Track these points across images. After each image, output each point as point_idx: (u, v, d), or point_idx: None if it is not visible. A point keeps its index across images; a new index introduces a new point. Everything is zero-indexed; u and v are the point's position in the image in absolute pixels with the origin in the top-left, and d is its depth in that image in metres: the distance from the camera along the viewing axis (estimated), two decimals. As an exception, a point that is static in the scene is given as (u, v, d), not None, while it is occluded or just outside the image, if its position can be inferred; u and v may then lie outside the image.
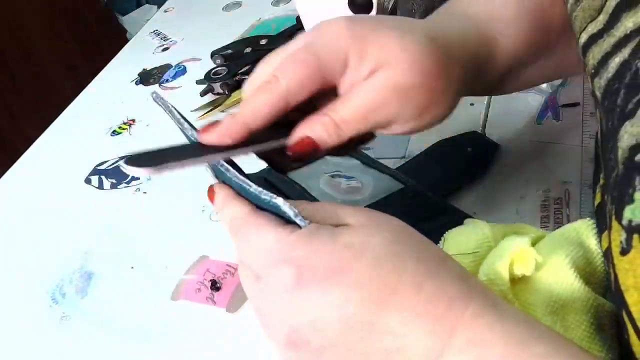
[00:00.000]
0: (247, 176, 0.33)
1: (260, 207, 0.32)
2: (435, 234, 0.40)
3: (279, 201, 0.30)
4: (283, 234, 0.30)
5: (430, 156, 0.57)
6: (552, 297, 0.31)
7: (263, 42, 0.79)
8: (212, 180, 0.37)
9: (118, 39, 1.79)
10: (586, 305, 0.31)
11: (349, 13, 0.60)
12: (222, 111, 0.72)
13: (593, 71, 0.30)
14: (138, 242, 0.57)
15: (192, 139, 0.35)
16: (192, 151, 0.35)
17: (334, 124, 0.36)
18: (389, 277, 0.28)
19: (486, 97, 0.63)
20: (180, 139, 0.37)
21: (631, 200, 0.25)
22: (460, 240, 0.38)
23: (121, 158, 0.33)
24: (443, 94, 0.38)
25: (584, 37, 0.32)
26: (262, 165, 0.40)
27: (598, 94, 0.30)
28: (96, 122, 0.75)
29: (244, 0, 0.97)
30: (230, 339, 0.46)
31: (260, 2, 0.95)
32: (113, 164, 0.68)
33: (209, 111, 0.72)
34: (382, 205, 0.50)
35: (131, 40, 0.96)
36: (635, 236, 0.24)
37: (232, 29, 0.88)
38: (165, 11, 1.02)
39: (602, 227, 0.32)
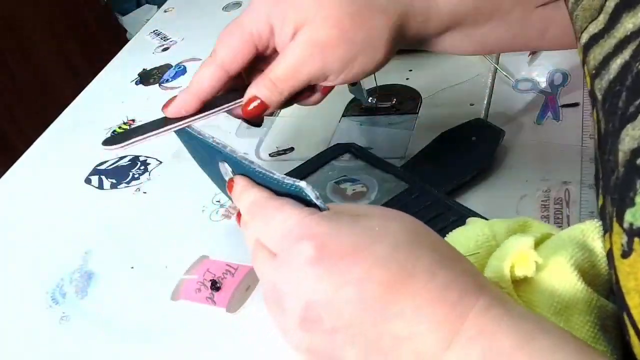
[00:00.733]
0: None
1: (279, 193, 0.34)
2: (441, 234, 0.40)
3: (302, 184, 0.32)
4: (304, 213, 0.31)
5: (436, 150, 0.56)
6: (555, 297, 0.31)
7: (263, 42, 0.79)
8: (232, 175, 0.39)
9: (118, 39, 1.79)
10: (589, 306, 0.31)
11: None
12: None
13: (594, 72, 0.30)
14: (138, 242, 0.57)
15: (223, 149, 0.38)
16: (156, 125, 0.42)
17: (271, 82, 0.42)
18: (406, 262, 0.28)
19: (486, 98, 0.63)
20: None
21: (632, 204, 0.25)
22: (461, 241, 0.38)
23: (103, 143, 0.42)
24: (366, 44, 0.42)
25: (585, 37, 0.32)
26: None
27: (599, 95, 0.30)
28: (96, 122, 0.75)
29: (244, 0, 0.97)
30: (230, 339, 0.46)
31: (260, 2, 0.95)
32: (113, 164, 0.68)
33: (209, 111, 0.72)
34: (388, 207, 0.50)
35: (131, 40, 0.96)
36: (636, 239, 0.24)
37: (232, 29, 0.88)
38: (165, 11, 1.02)
39: (604, 228, 0.32)
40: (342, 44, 0.41)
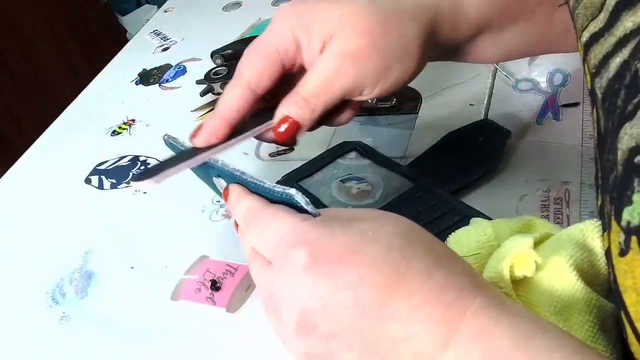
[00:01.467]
0: None
1: (273, 201, 0.34)
2: (445, 234, 0.41)
3: (292, 191, 0.32)
4: (297, 220, 0.31)
5: (442, 149, 0.56)
6: (554, 297, 0.31)
7: (263, 42, 0.79)
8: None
9: (118, 39, 1.79)
10: (588, 305, 0.31)
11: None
12: (222, 111, 0.72)
13: (594, 70, 0.30)
14: (138, 242, 0.57)
15: (215, 163, 0.38)
16: (186, 156, 0.38)
17: (303, 100, 0.39)
18: (401, 263, 0.28)
19: (486, 98, 0.63)
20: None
21: (630, 202, 0.25)
22: (462, 241, 0.38)
23: (133, 179, 0.39)
24: (399, 52, 0.40)
25: (585, 36, 0.32)
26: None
27: (599, 93, 0.30)
28: (96, 122, 0.75)
29: (244, 0, 0.97)
30: (230, 339, 0.46)
31: (260, 2, 0.95)
32: (113, 164, 0.68)
33: (208, 111, 0.72)
34: (393, 206, 0.50)
35: (131, 40, 0.96)
36: (634, 238, 0.24)
37: (232, 29, 0.88)
38: (165, 11, 1.02)
39: (603, 227, 0.32)
40: (375, 53, 0.39)
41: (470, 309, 0.27)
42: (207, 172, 0.40)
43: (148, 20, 1.03)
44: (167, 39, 0.92)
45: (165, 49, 0.89)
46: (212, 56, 0.78)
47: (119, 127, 0.74)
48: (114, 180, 0.65)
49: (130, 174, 0.65)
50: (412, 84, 0.68)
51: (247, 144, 0.65)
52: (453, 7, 0.42)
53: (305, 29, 0.39)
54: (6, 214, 0.65)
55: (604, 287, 0.33)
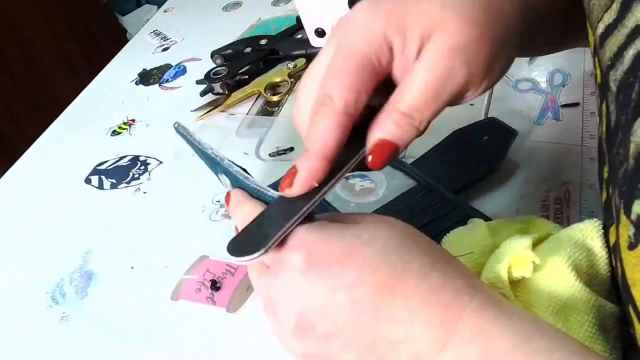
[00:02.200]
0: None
1: None
2: (447, 232, 0.41)
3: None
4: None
5: (447, 148, 0.56)
6: (553, 298, 0.31)
7: (263, 42, 0.79)
8: (230, 188, 0.39)
9: (118, 39, 1.79)
10: (587, 305, 0.31)
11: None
12: (222, 111, 0.71)
13: (609, 63, 0.29)
14: (138, 242, 0.57)
15: (221, 161, 0.37)
16: (285, 211, 0.32)
17: (404, 116, 0.32)
18: (397, 265, 0.28)
19: (486, 98, 0.63)
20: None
21: None
22: (456, 242, 0.38)
23: (233, 254, 0.32)
24: (505, 39, 0.33)
25: (601, 27, 0.31)
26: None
27: (613, 86, 0.29)
28: (96, 122, 0.75)
29: (244, 0, 0.97)
30: (230, 339, 0.46)
31: (260, 2, 0.95)
32: (113, 164, 0.68)
33: (209, 111, 0.72)
34: (396, 205, 0.50)
35: (131, 40, 0.96)
36: None
37: (232, 29, 0.88)
38: (165, 11, 1.02)
39: (609, 221, 0.32)
40: (485, 43, 0.31)
41: (468, 310, 0.27)
42: (213, 164, 0.40)
43: (148, 20, 1.03)
44: (167, 39, 0.92)
45: (165, 49, 0.89)
46: (212, 56, 0.78)
47: (119, 127, 0.74)
48: (114, 180, 0.65)
49: (130, 173, 0.65)
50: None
51: (248, 144, 0.65)
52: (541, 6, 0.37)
53: (398, 29, 0.31)
54: (6, 214, 0.65)
55: (604, 287, 0.33)
